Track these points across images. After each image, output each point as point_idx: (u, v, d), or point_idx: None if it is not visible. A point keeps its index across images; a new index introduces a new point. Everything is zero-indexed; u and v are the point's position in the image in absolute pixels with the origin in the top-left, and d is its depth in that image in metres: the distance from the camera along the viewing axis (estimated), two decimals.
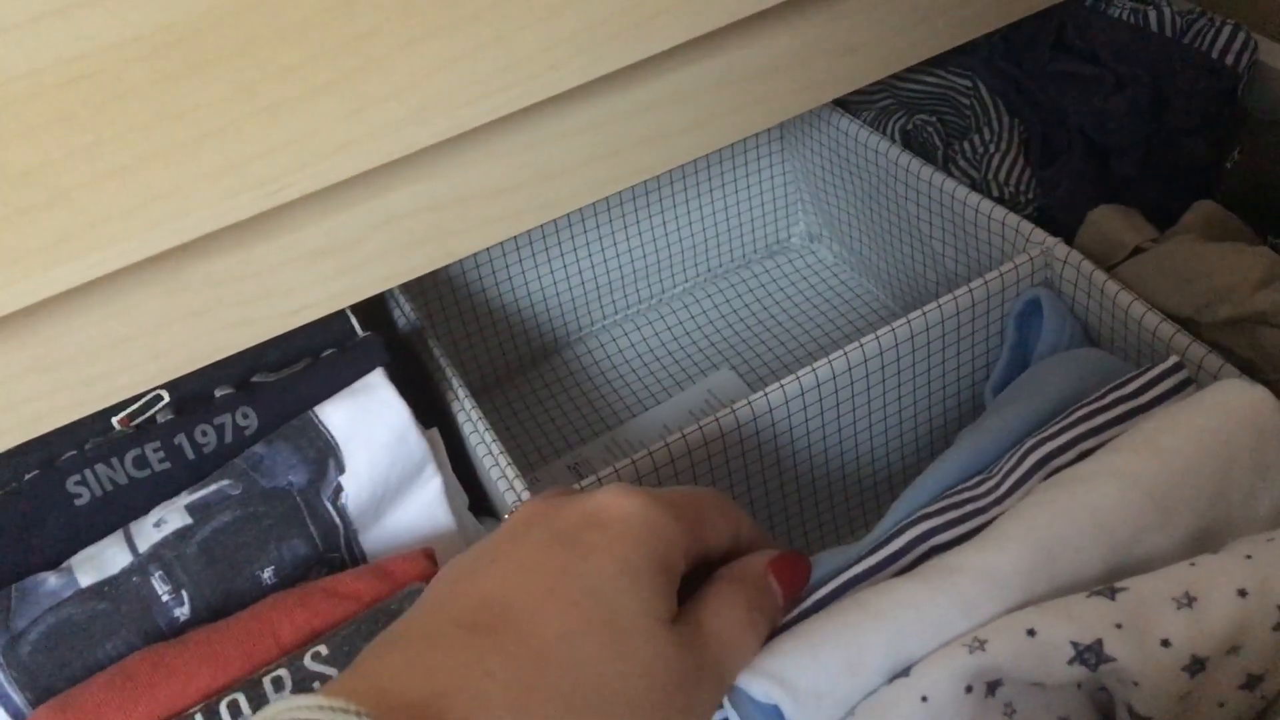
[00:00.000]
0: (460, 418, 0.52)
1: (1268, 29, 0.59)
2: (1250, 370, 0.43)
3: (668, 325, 0.72)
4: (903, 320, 0.51)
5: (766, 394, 0.49)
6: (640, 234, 0.70)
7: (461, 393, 0.52)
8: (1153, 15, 0.57)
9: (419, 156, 0.44)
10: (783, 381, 0.49)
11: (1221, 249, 0.44)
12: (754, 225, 0.74)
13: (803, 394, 0.50)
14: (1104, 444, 0.38)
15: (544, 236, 0.67)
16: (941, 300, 0.51)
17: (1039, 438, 0.40)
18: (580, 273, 0.70)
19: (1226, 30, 0.55)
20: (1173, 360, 0.40)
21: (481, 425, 0.50)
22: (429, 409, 0.53)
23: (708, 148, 0.52)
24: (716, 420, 0.49)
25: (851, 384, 0.51)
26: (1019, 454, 0.40)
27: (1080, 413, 0.40)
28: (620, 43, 0.44)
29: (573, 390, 0.69)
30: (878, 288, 0.71)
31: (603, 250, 0.69)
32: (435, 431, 0.50)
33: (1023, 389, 0.47)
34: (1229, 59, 0.55)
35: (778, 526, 0.55)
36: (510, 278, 0.68)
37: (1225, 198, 0.52)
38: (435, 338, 0.55)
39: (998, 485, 0.39)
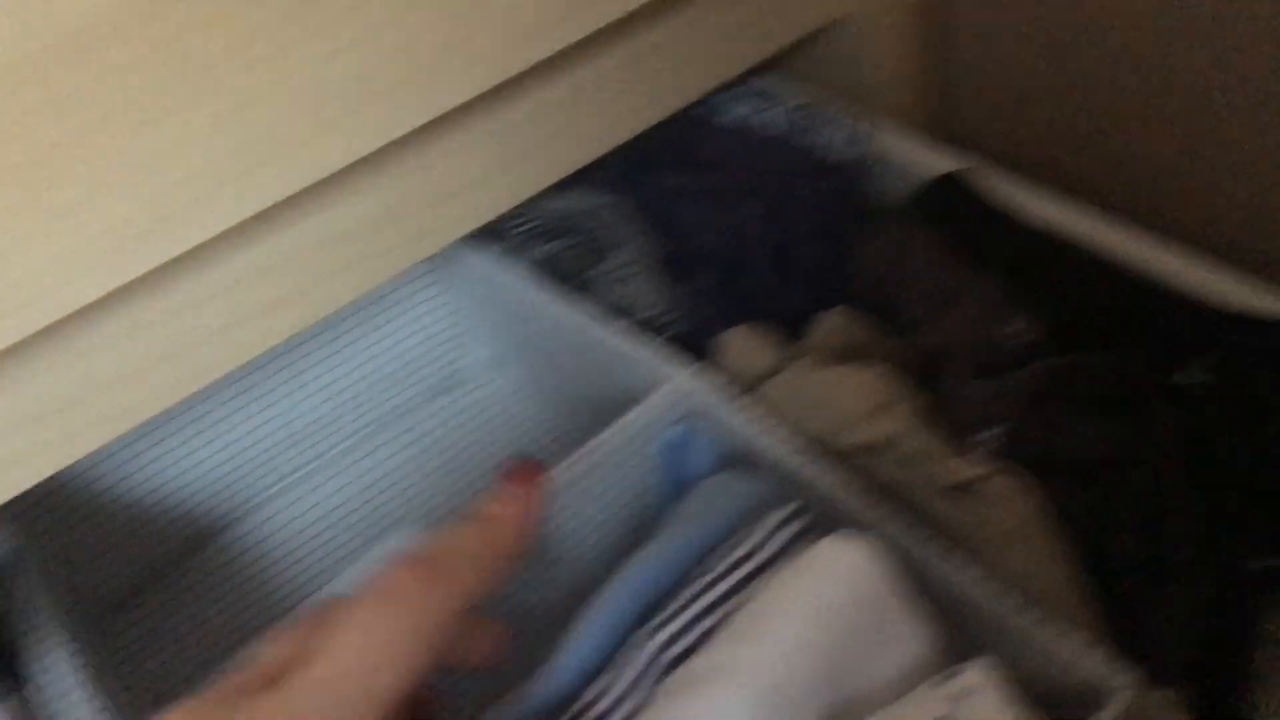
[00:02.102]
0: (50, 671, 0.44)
1: (890, 112, 0.59)
2: (884, 494, 0.41)
3: (339, 487, 0.66)
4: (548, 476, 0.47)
5: None
6: (291, 394, 0.64)
7: (54, 641, 0.45)
8: (767, 117, 0.55)
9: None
10: None
11: (838, 375, 0.42)
12: (423, 361, 0.69)
13: None
14: (723, 619, 0.36)
15: (171, 419, 0.60)
16: (588, 446, 0.48)
17: (656, 623, 0.36)
18: (228, 447, 0.63)
19: (839, 125, 0.54)
20: (791, 507, 0.38)
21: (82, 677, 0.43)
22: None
23: (311, 318, 0.47)
24: None
25: None
26: (635, 643, 0.36)
27: (697, 585, 0.37)
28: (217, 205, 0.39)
29: (233, 580, 0.62)
30: (557, 414, 0.67)
31: (248, 420, 0.63)
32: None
33: (667, 524, 0.44)
34: (844, 154, 0.54)
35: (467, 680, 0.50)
36: (141, 468, 0.60)
37: (859, 296, 0.50)
38: (40, 563, 0.48)
39: (612, 684, 0.35)
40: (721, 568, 0.37)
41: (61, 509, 0.58)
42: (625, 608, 0.40)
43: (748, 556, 0.37)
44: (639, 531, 0.53)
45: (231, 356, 0.45)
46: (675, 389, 0.49)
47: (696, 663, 0.34)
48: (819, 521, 0.39)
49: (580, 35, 0.46)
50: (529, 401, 0.68)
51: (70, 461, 0.43)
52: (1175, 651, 0.40)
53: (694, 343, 0.53)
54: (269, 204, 0.41)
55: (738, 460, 0.49)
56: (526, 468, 0.35)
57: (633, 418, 0.48)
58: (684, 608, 0.36)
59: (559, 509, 0.48)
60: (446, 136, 0.47)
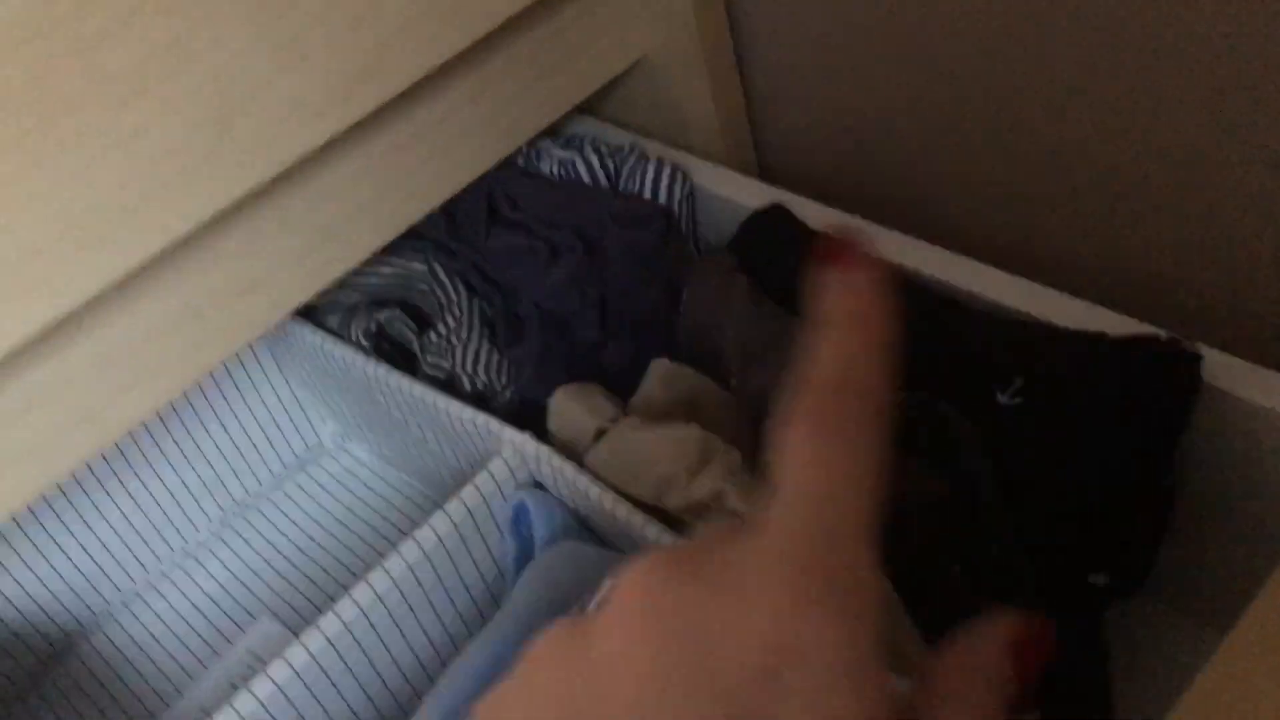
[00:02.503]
0: None
1: (704, 150, 0.58)
2: None
3: (196, 582, 0.64)
4: (393, 554, 0.47)
5: (305, 642, 0.44)
6: (133, 494, 0.62)
7: None
8: (581, 165, 0.55)
9: None
10: (291, 650, 0.44)
11: (658, 436, 0.42)
12: (274, 440, 0.67)
13: (313, 658, 0.44)
14: None
15: (4, 536, 0.57)
16: (433, 520, 0.47)
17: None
18: (70, 558, 0.60)
19: (653, 168, 0.53)
20: (608, 585, 0.37)
21: None
22: None
23: (107, 439, 0.45)
24: (258, 685, 0.43)
25: (373, 624, 0.46)
26: None
27: None
28: None
29: (93, 694, 0.60)
30: (416, 480, 0.65)
31: (91, 526, 0.60)
32: None
33: (508, 599, 0.44)
34: (661, 196, 0.53)
35: None
36: None
37: (683, 346, 0.50)
38: None
39: None
40: None
41: None
42: (464, 693, 0.39)
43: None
44: (497, 598, 0.52)
45: (39, 480, 0.43)
46: (512, 456, 0.48)
47: None
48: None
49: (364, 112, 0.44)
50: (387, 469, 0.67)
51: None
52: None
53: (528, 405, 0.52)
54: (37, 329, 0.39)
55: (580, 523, 0.48)
56: (843, 245, 0.27)
57: (472, 490, 0.47)
58: None
59: (409, 590, 0.47)
60: (240, 225, 0.45)
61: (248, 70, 0.40)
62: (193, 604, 0.63)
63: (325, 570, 0.63)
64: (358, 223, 0.48)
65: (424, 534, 0.46)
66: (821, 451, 0.24)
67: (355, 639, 0.45)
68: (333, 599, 0.60)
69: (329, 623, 0.44)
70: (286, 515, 0.66)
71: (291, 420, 0.67)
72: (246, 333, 0.47)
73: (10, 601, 0.59)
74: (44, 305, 0.38)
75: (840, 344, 0.26)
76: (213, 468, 0.64)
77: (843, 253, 0.27)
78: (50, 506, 0.58)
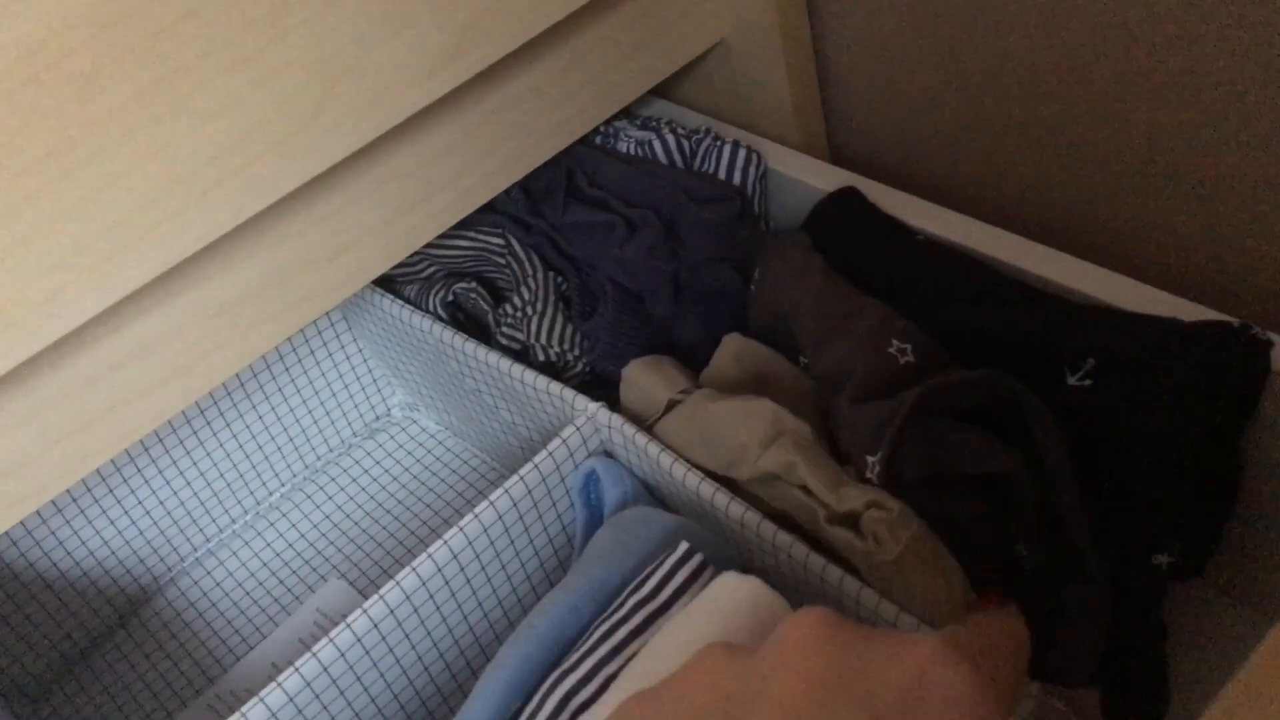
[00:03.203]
0: None
1: (778, 133, 0.59)
2: (787, 521, 0.42)
3: (268, 542, 0.66)
4: (470, 516, 0.48)
5: (368, 609, 0.45)
6: (211, 453, 0.64)
7: None
8: (657, 145, 0.56)
9: None
10: (370, 602, 0.45)
11: (731, 409, 0.43)
12: (345, 408, 0.69)
13: (391, 611, 0.45)
14: (623, 665, 0.36)
15: (90, 489, 0.60)
16: (508, 484, 0.49)
17: (562, 669, 0.37)
18: (149, 513, 0.62)
19: (729, 149, 0.55)
20: (683, 549, 0.38)
21: None
22: None
23: (220, 378, 0.47)
24: (331, 642, 0.44)
25: (448, 581, 0.47)
26: (544, 691, 0.36)
27: (602, 629, 0.37)
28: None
29: (166, 646, 0.62)
30: (481, 450, 0.67)
31: (169, 482, 0.62)
32: None
33: (578, 564, 0.45)
34: (736, 177, 0.54)
35: None
36: (61, 541, 0.60)
37: (754, 321, 0.51)
38: None
39: None
40: (623, 611, 0.37)
41: None
42: (535, 654, 0.40)
43: (647, 599, 0.37)
44: (564, 564, 0.53)
45: (142, 424, 0.45)
46: (585, 425, 0.49)
47: (598, 712, 0.34)
48: (718, 559, 0.39)
49: (454, 85, 0.46)
50: (453, 439, 0.69)
51: None
52: (1084, 654, 0.41)
53: (601, 377, 0.53)
54: (144, 282, 0.40)
55: (651, 492, 0.49)
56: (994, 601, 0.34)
57: (545, 456, 0.48)
58: (589, 653, 0.37)
59: (483, 550, 0.48)
60: (334, 191, 0.47)
61: (351, 36, 0.42)
62: (263, 563, 0.65)
63: (392, 535, 0.64)
64: (444, 192, 0.50)
65: (499, 497, 0.48)
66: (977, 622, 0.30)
67: (430, 595, 0.47)
68: (400, 563, 0.63)
69: (407, 579, 0.45)
70: (355, 481, 0.68)
71: (362, 388, 0.69)
72: (333, 296, 0.49)
73: (91, 553, 0.61)
74: (156, 256, 0.40)
75: (993, 658, 0.30)
76: (286, 431, 0.66)
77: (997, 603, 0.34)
78: (133, 462, 0.61)
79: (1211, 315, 0.43)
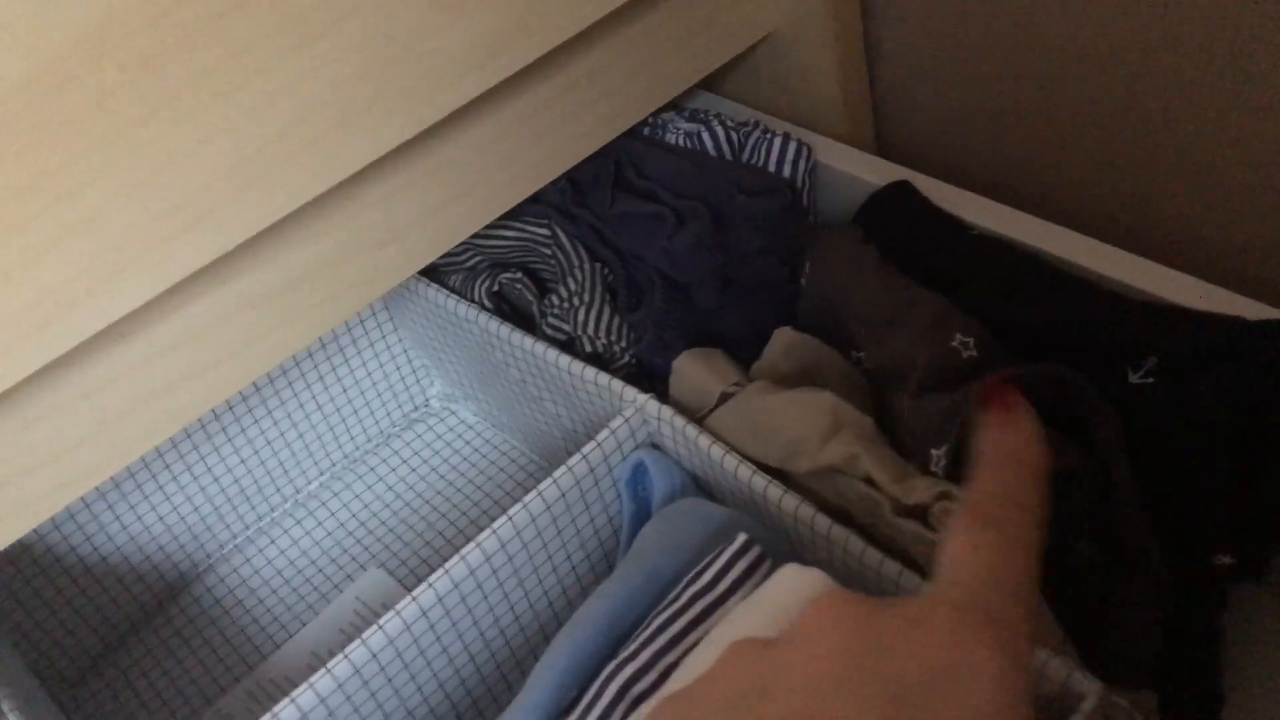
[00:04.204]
0: None
1: (826, 126, 0.59)
2: (843, 515, 0.42)
3: (306, 531, 0.66)
4: (518, 506, 0.47)
5: (418, 596, 0.45)
6: (252, 440, 0.64)
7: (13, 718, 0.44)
8: (706, 136, 0.55)
9: None
10: (419, 590, 0.45)
11: (789, 400, 0.42)
12: (385, 398, 0.69)
13: (439, 600, 0.45)
14: (682, 656, 0.36)
15: (133, 475, 0.60)
16: (556, 475, 0.48)
17: (621, 659, 0.36)
18: (190, 499, 0.62)
19: (779, 141, 0.54)
20: (741, 540, 0.38)
21: None
22: None
23: (265, 366, 0.47)
24: (379, 630, 0.44)
25: (495, 571, 0.47)
26: (602, 680, 0.36)
27: (659, 620, 0.37)
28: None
29: (205, 633, 0.62)
30: (521, 443, 0.67)
31: (211, 469, 0.63)
32: None
33: (630, 554, 0.45)
34: (786, 170, 0.54)
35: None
36: (104, 527, 0.60)
37: (804, 315, 0.50)
38: (6, 633, 0.47)
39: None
40: (681, 602, 0.37)
41: (23, 576, 0.57)
42: (589, 644, 0.40)
43: (705, 590, 0.37)
44: (609, 557, 0.53)
45: (181, 415, 0.45)
46: (634, 417, 0.49)
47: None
48: (771, 552, 0.39)
49: (509, 73, 0.46)
50: (493, 431, 0.68)
51: (30, 529, 0.42)
52: (1142, 653, 0.40)
53: (647, 369, 0.53)
54: (199, 266, 0.40)
55: (699, 485, 0.49)
56: (1004, 394, 0.33)
57: (593, 447, 0.48)
58: (648, 642, 0.36)
59: (530, 540, 0.48)
60: (384, 179, 0.47)
61: (409, 23, 0.42)
62: (302, 551, 0.65)
63: (431, 525, 0.64)
64: (493, 181, 0.50)
65: (547, 488, 0.47)
66: (979, 537, 0.29)
67: (478, 584, 0.46)
68: (439, 554, 0.62)
69: (456, 568, 0.45)
70: (394, 471, 0.68)
71: (402, 379, 0.69)
72: (381, 284, 0.49)
73: (132, 538, 0.61)
74: (213, 239, 0.40)
75: (999, 474, 0.31)
76: (326, 420, 0.66)
77: (1001, 397, 0.33)
78: (175, 448, 0.61)
79: (1274, 314, 0.42)
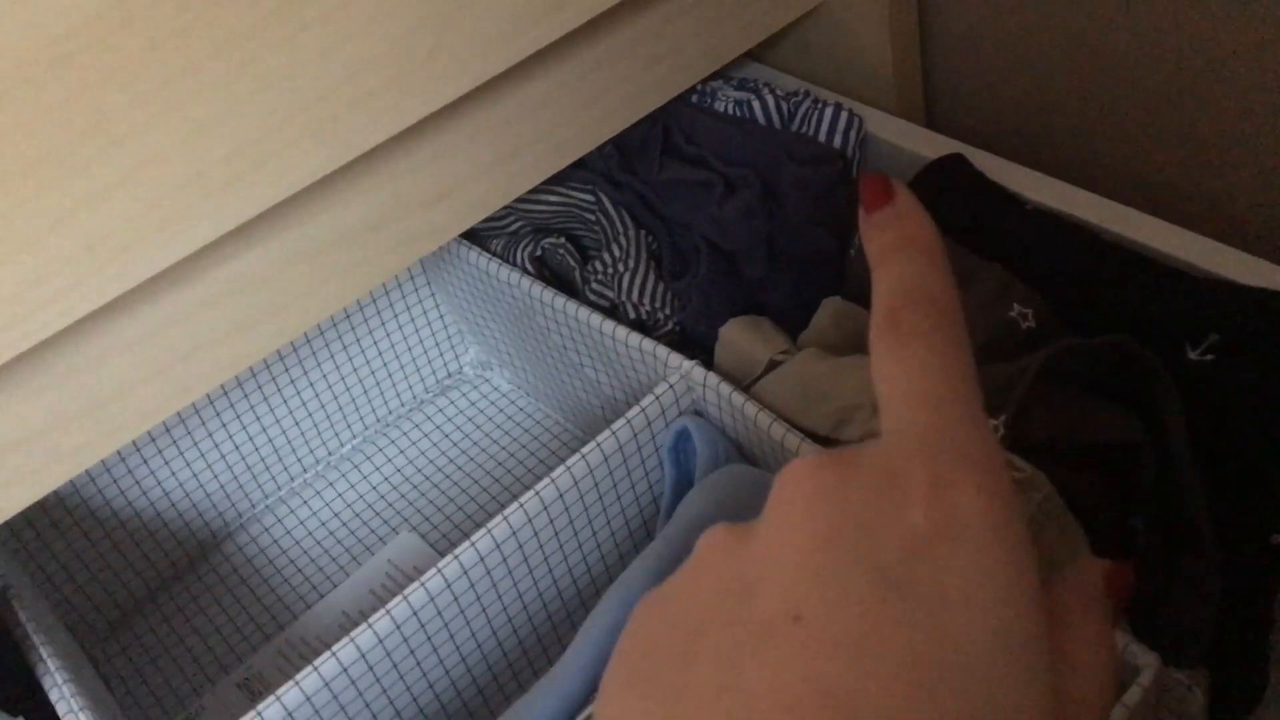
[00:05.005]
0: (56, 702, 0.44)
1: (875, 99, 0.58)
2: None
3: (339, 493, 0.65)
4: (561, 468, 0.47)
5: (457, 556, 0.45)
6: (287, 400, 0.64)
7: (53, 664, 0.44)
8: (756, 105, 0.55)
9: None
10: (462, 548, 0.45)
11: (842, 367, 0.42)
12: (419, 363, 0.69)
13: (481, 559, 0.45)
14: None
15: (169, 430, 0.60)
16: (600, 439, 0.48)
17: None
18: (224, 457, 0.62)
19: (829, 111, 0.54)
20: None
21: (77, 704, 0.43)
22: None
23: (305, 325, 0.47)
24: (421, 587, 0.44)
25: (537, 533, 0.47)
26: None
27: None
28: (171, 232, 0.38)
29: (236, 591, 0.62)
30: (555, 411, 0.66)
31: (246, 428, 0.62)
32: None
33: (672, 521, 0.44)
34: (836, 140, 0.54)
35: (487, 689, 0.50)
36: (138, 481, 0.60)
37: (853, 286, 0.50)
38: (37, 584, 0.47)
39: None
40: None
41: (57, 528, 0.57)
42: (638, 599, 0.40)
43: None
44: (648, 525, 0.53)
45: (225, 367, 0.45)
46: (678, 383, 0.49)
47: None
48: None
49: (564, 30, 0.45)
50: (526, 399, 0.68)
51: (64, 480, 0.42)
52: (1198, 630, 0.40)
53: (691, 337, 0.53)
54: (256, 213, 0.40)
55: (742, 453, 0.48)
56: (878, 185, 0.29)
57: (638, 412, 0.48)
58: None
59: (571, 504, 0.48)
60: (435, 136, 0.46)
61: None
62: (334, 513, 0.64)
63: (464, 491, 0.64)
64: (543, 143, 0.49)
65: (591, 451, 0.47)
66: (906, 354, 0.26)
67: (520, 545, 0.46)
68: (472, 519, 0.62)
69: (499, 528, 0.45)
70: (427, 436, 0.68)
71: (436, 344, 0.69)
72: (429, 242, 0.48)
73: (166, 494, 0.61)
74: (269, 187, 0.40)
75: (903, 265, 0.28)
76: (362, 383, 0.66)
77: (881, 188, 0.29)
78: (212, 404, 0.61)
79: None
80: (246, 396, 0.62)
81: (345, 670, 0.43)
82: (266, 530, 0.64)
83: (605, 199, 0.56)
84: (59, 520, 0.57)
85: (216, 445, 0.62)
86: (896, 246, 0.28)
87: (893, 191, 0.29)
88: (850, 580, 0.23)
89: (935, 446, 0.24)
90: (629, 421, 0.48)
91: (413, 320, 0.67)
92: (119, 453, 0.58)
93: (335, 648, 0.42)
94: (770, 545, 0.25)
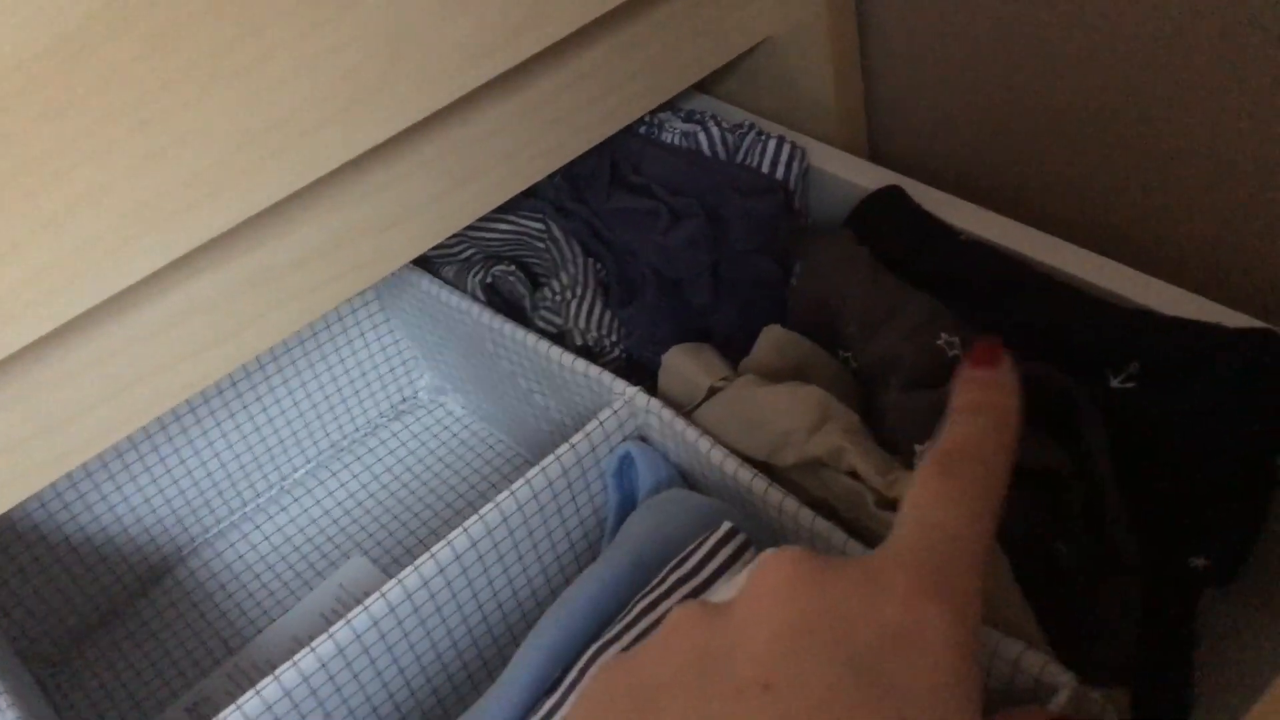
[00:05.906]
0: None
1: (819, 131, 0.60)
2: (826, 509, 0.42)
3: (291, 517, 0.66)
4: (506, 493, 0.48)
5: (401, 580, 0.45)
6: (240, 425, 0.64)
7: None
8: (703, 137, 0.56)
9: None
10: (406, 572, 0.45)
11: (777, 393, 0.43)
12: (374, 388, 0.69)
13: (425, 583, 0.46)
14: None
15: (120, 454, 0.60)
16: (544, 463, 0.49)
17: (604, 640, 0.37)
18: (176, 481, 0.63)
19: (773, 144, 0.55)
20: (726, 527, 0.39)
21: None
22: None
23: (256, 350, 0.47)
24: (349, 623, 0.44)
25: (481, 556, 0.47)
26: (584, 662, 0.37)
27: (642, 604, 0.38)
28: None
29: (188, 615, 0.62)
30: (508, 436, 0.67)
31: (199, 452, 0.63)
32: None
33: (615, 543, 0.45)
34: (779, 172, 0.55)
35: (431, 714, 0.50)
36: (89, 505, 0.60)
37: (794, 315, 0.51)
38: None
39: (563, 703, 0.36)
40: (664, 587, 0.38)
41: (6, 553, 0.58)
42: (574, 626, 0.41)
43: (689, 576, 0.38)
44: (594, 547, 0.53)
45: (177, 391, 0.45)
46: (622, 409, 0.50)
47: None
48: (755, 540, 0.39)
49: (514, 63, 0.46)
50: (480, 424, 0.69)
51: (14, 504, 0.42)
52: (1119, 651, 0.41)
53: (637, 362, 0.54)
54: (208, 238, 0.41)
55: (684, 477, 0.49)
56: (991, 350, 0.33)
57: (582, 437, 0.49)
58: (630, 625, 0.37)
59: (516, 527, 0.48)
60: (387, 164, 0.47)
61: (418, 8, 0.42)
62: (286, 538, 0.65)
63: (416, 515, 0.65)
64: (495, 170, 0.50)
65: (535, 476, 0.48)
66: (942, 491, 0.29)
67: (464, 569, 0.47)
68: (423, 543, 0.63)
69: (443, 552, 0.46)
70: (380, 461, 0.68)
71: (391, 370, 0.69)
72: (381, 268, 0.49)
73: (117, 519, 0.61)
74: (220, 214, 0.40)
75: (973, 424, 0.32)
76: (315, 408, 0.67)
77: (992, 354, 0.34)
78: (163, 429, 0.61)
79: (1254, 323, 0.43)
80: (199, 421, 0.62)
81: (288, 694, 0.43)
82: (219, 555, 0.65)
83: (555, 227, 0.57)
84: (9, 545, 0.57)
85: (169, 469, 0.62)
86: (976, 408, 0.32)
87: (1000, 360, 0.33)
88: (822, 658, 0.25)
89: (925, 565, 0.27)
90: (574, 446, 0.49)
91: (367, 346, 0.68)
92: (69, 476, 0.58)
93: (279, 670, 0.43)
94: (747, 618, 0.27)
